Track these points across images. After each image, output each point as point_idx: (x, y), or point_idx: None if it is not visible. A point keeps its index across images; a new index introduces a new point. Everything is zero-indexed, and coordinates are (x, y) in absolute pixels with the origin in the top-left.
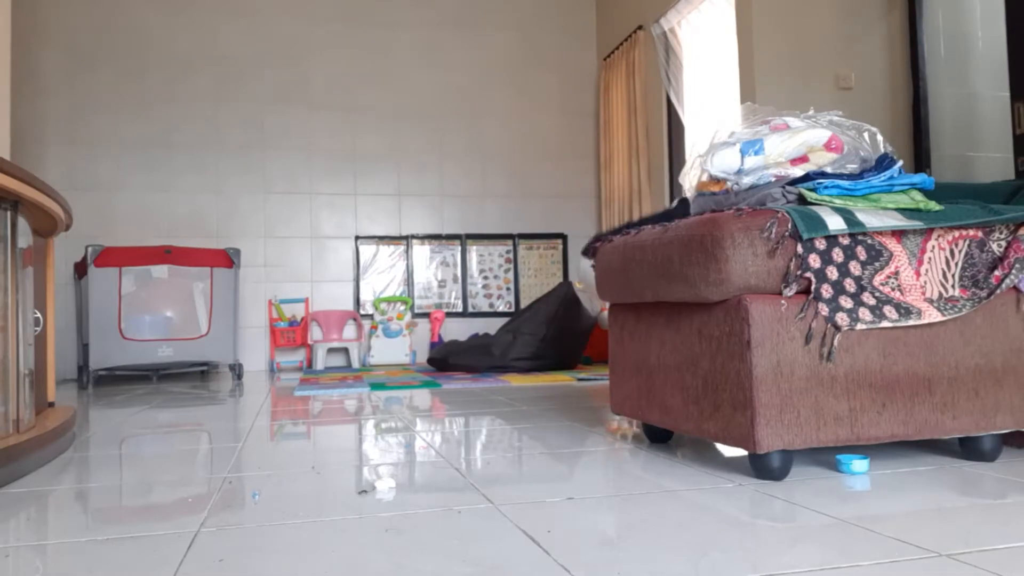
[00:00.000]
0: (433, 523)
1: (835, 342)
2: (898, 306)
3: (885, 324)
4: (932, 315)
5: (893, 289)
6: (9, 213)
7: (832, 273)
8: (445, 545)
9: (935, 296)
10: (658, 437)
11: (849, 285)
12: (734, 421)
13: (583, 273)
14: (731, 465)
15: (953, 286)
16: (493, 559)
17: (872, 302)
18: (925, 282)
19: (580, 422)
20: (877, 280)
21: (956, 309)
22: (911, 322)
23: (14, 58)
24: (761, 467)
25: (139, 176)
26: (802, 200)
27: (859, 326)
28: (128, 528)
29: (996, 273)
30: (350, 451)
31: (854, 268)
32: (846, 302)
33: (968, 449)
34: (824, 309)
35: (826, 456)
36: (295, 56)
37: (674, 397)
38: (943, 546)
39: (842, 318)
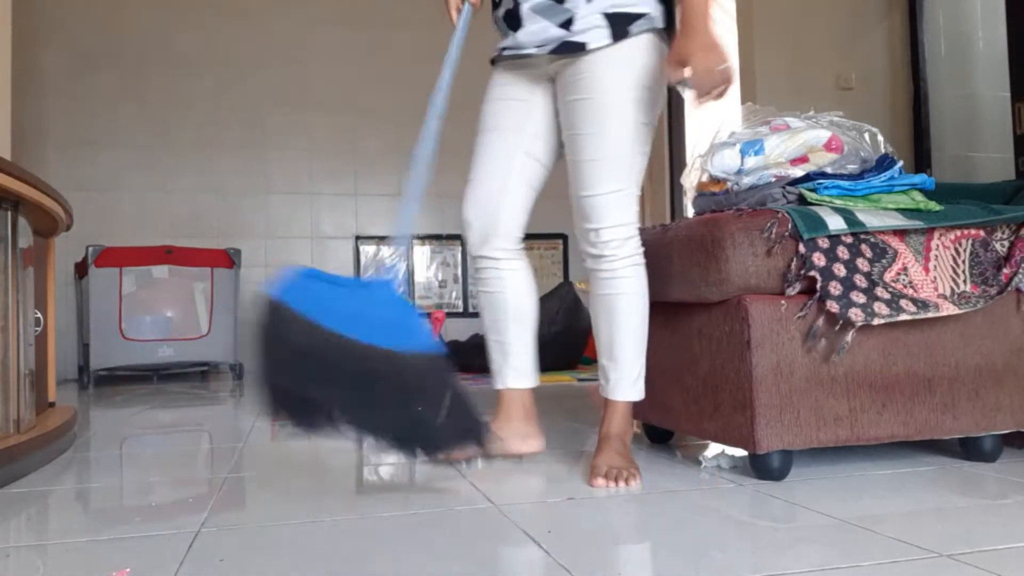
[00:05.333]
0: (433, 523)
1: (848, 339)
2: (914, 300)
3: (904, 317)
4: (949, 308)
5: (905, 286)
6: (9, 213)
7: (839, 270)
8: (445, 545)
9: (947, 292)
10: (658, 437)
11: (860, 281)
12: (734, 421)
13: None
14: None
15: (965, 281)
16: (493, 559)
17: (887, 296)
18: (936, 277)
19: (580, 422)
20: (888, 277)
21: (971, 304)
22: (930, 314)
23: (15, 58)
24: (761, 467)
25: (140, 176)
26: (802, 200)
27: (876, 320)
28: (128, 528)
29: (1005, 271)
30: (351, 451)
31: (862, 265)
32: (858, 297)
33: (968, 449)
34: (834, 306)
35: (827, 456)
36: (295, 56)
37: (674, 397)
38: (944, 546)
39: (856, 313)
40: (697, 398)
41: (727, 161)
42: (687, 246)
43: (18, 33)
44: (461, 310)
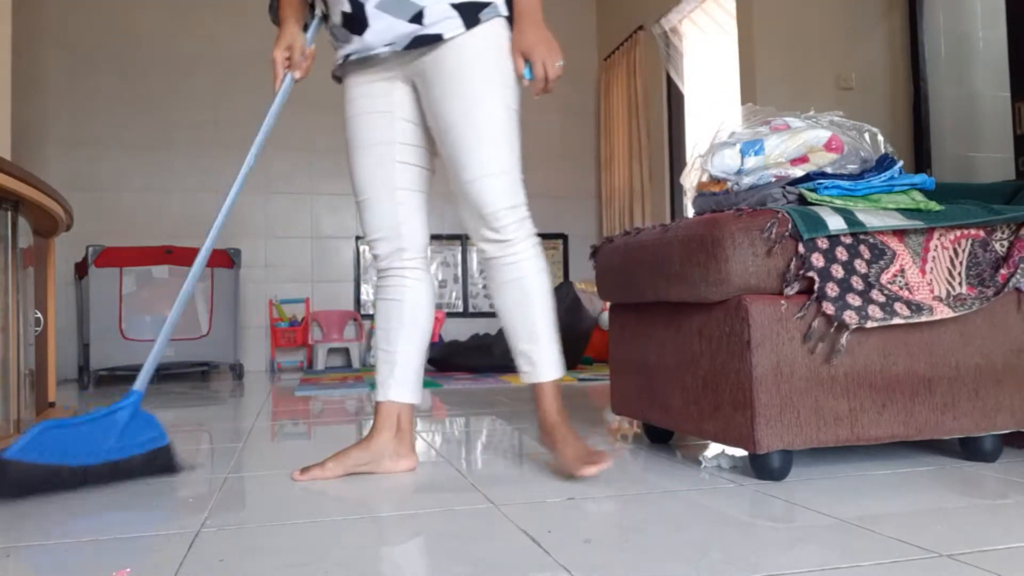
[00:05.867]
0: (433, 523)
1: (843, 340)
2: (908, 303)
3: (897, 321)
4: (943, 311)
5: (901, 288)
6: (10, 213)
7: (837, 271)
8: (445, 545)
9: (943, 294)
10: (658, 437)
11: (856, 283)
12: (734, 421)
13: None
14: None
15: (960, 283)
16: (493, 559)
17: (882, 299)
18: (931, 279)
19: (581, 422)
20: (884, 279)
21: (966, 306)
22: (923, 318)
23: (15, 58)
24: (761, 467)
25: (140, 176)
26: (802, 200)
27: (870, 323)
28: (128, 528)
29: (1002, 272)
30: None
31: (860, 266)
32: (854, 300)
33: (969, 449)
34: (830, 308)
35: (827, 456)
36: None
37: (674, 397)
38: (944, 546)
39: (850, 316)
40: (697, 398)
41: (727, 161)
42: (687, 246)
43: (18, 33)
44: (461, 310)
